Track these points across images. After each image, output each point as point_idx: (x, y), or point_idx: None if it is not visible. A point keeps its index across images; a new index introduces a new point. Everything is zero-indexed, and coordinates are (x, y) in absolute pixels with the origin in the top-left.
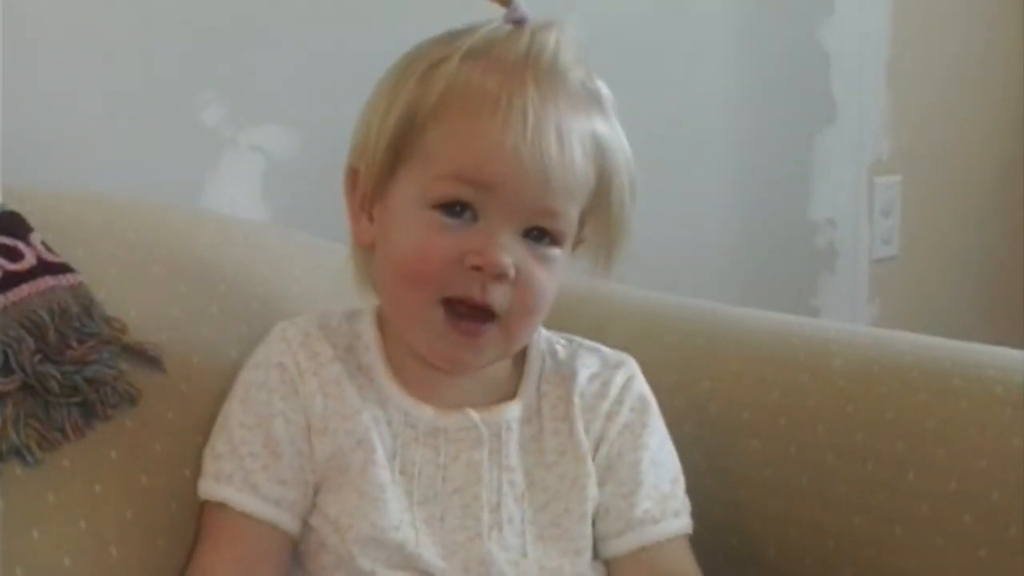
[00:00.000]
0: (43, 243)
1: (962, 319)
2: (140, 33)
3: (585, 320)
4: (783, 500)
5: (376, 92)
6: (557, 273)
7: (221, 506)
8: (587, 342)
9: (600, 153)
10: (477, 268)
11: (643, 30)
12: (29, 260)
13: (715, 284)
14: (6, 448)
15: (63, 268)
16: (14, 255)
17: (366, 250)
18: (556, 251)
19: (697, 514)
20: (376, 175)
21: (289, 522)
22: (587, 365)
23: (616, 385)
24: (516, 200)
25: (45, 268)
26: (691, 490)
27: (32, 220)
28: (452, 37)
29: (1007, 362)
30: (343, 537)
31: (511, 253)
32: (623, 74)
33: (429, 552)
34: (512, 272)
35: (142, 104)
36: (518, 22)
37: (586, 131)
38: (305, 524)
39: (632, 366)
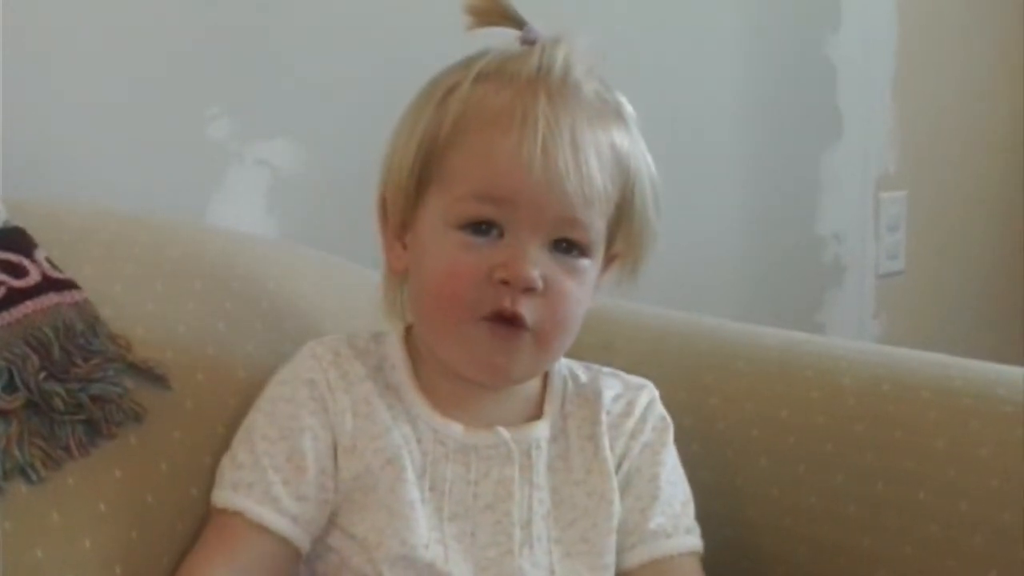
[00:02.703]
0: (48, 259)
1: (968, 334)
2: (146, 47)
3: (593, 338)
4: (792, 519)
5: (400, 121)
6: (588, 285)
7: (236, 514)
8: (606, 368)
9: (620, 164)
10: (505, 282)
11: (650, 45)
12: (34, 277)
13: (721, 299)
14: (10, 466)
15: (68, 285)
16: (19, 272)
17: (399, 278)
18: (585, 263)
19: (706, 532)
20: (403, 203)
21: (300, 539)
22: (610, 387)
23: (640, 405)
24: (538, 212)
25: (50, 285)
26: (700, 508)
27: (37, 236)
28: (468, 62)
29: (1018, 381)
30: (371, 556)
31: (539, 265)
32: (629, 88)
33: (459, 569)
34: (539, 283)
35: (148, 119)
36: (531, 42)
37: (603, 142)
38: (324, 544)
39: (653, 390)
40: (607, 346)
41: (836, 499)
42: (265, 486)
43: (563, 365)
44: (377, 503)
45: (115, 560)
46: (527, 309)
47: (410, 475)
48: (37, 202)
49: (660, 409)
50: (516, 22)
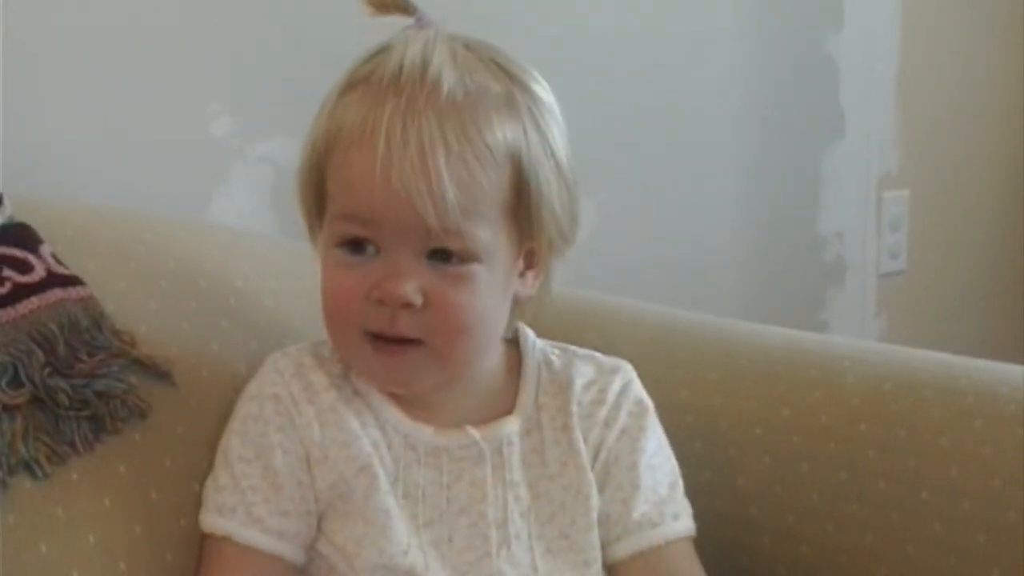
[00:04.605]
0: (53, 255)
1: (970, 334)
2: (148, 45)
3: (594, 336)
4: (794, 518)
5: None
6: (485, 289)
7: (224, 539)
8: (581, 350)
9: (502, 159)
10: (381, 301)
11: (652, 43)
12: (39, 272)
13: (722, 298)
14: (15, 461)
15: (73, 281)
16: (24, 267)
17: None
18: (472, 268)
19: (707, 531)
20: (306, 211)
21: (293, 553)
22: (582, 373)
23: (613, 391)
24: (400, 228)
25: (55, 281)
26: (701, 507)
27: (42, 232)
28: (355, 63)
29: (1020, 380)
30: (351, 564)
31: (416, 279)
32: (631, 87)
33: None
34: (416, 299)
35: (150, 116)
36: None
37: (472, 141)
38: (314, 550)
39: (628, 371)
40: (609, 345)
41: (838, 498)
42: (247, 507)
43: (538, 351)
44: (354, 512)
45: (119, 555)
46: (409, 325)
47: (383, 483)
48: (40, 200)
49: (636, 392)
50: (405, 9)
